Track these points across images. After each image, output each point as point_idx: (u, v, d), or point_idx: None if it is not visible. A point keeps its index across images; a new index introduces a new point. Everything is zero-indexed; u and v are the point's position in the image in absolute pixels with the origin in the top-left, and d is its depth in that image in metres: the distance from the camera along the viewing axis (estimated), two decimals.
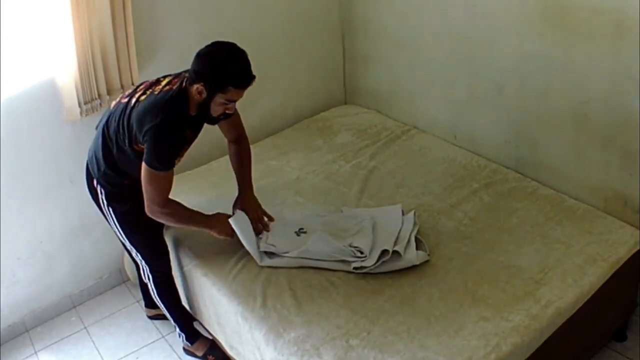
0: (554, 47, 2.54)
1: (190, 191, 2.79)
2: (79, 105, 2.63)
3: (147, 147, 2.13)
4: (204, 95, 2.11)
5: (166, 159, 2.15)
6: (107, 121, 2.29)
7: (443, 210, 2.61)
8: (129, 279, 3.10)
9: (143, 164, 2.15)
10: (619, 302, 2.50)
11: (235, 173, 2.53)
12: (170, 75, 2.27)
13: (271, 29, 3.25)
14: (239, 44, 2.12)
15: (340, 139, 3.23)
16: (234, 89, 2.10)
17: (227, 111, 2.20)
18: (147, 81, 2.30)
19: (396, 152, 3.07)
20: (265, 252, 2.39)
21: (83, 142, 2.78)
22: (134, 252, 2.50)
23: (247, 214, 2.42)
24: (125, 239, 2.45)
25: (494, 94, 2.88)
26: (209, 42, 2.12)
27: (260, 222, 2.45)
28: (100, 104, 2.69)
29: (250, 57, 2.12)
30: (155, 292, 2.58)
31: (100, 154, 2.30)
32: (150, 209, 2.23)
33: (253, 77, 2.12)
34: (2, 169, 2.63)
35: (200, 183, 2.92)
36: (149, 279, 2.54)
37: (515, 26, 2.66)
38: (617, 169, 2.53)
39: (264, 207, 2.49)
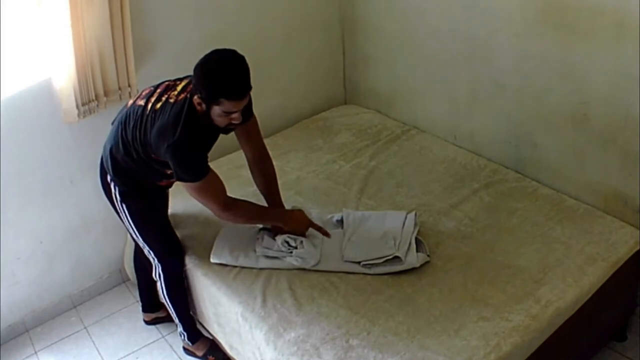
0: (554, 47, 2.54)
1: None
2: (77, 107, 2.62)
3: (175, 165, 2.11)
4: (203, 106, 2.07)
5: (199, 167, 2.13)
6: (123, 122, 2.23)
7: (443, 210, 2.61)
8: (129, 279, 3.10)
9: (183, 183, 2.15)
10: (619, 302, 2.50)
11: (264, 195, 2.46)
12: (187, 77, 2.19)
13: (271, 29, 3.25)
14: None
15: (340, 139, 3.23)
16: (227, 101, 2.01)
17: (232, 121, 2.12)
18: (166, 81, 2.24)
19: (396, 152, 3.07)
20: (262, 255, 2.38)
21: (82, 143, 2.79)
22: (146, 249, 2.45)
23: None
24: (139, 236, 2.40)
25: (494, 94, 2.88)
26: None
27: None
28: (98, 106, 2.68)
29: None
30: (165, 291, 2.52)
31: (117, 154, 2.25)
32: (220, 216, 2.25)
33: (247, 88, 2.04)
34: (2, 170, 2.62)
35: None
36: (159, 277, 2.49)
37: (515, 26, 2.66)
38: (617, 169, 2.53)
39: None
